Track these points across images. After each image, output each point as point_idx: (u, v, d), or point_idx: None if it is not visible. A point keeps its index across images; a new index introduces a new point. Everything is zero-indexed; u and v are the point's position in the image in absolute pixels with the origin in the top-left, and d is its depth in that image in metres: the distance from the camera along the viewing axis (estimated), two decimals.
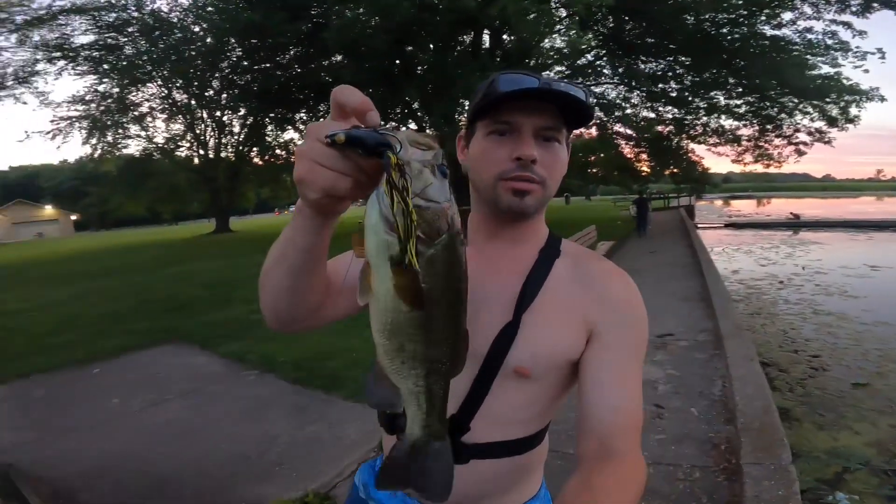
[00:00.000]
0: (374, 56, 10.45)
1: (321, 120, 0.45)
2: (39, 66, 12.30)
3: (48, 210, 44.28)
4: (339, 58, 11.76)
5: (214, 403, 3.54)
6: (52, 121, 14.09)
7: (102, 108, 14.32)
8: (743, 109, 14.91)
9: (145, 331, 5.72)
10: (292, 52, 12.65)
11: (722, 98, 14.60)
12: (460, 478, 0.61)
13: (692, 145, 15.90)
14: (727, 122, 15.56)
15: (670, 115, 14.81)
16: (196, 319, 6.18)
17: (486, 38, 11.96)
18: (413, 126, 15.86)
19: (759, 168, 17.39)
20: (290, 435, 2.96)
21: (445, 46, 10.40)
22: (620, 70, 13.47)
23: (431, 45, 10.04)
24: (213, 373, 4.22)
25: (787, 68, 12.67)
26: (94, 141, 15.75)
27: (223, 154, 21.25)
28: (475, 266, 0.72)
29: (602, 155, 15.07)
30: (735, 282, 9.38)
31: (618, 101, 14.45)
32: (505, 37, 11.69)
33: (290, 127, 16.58)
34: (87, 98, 13.99)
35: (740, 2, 11.57)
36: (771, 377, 4.38)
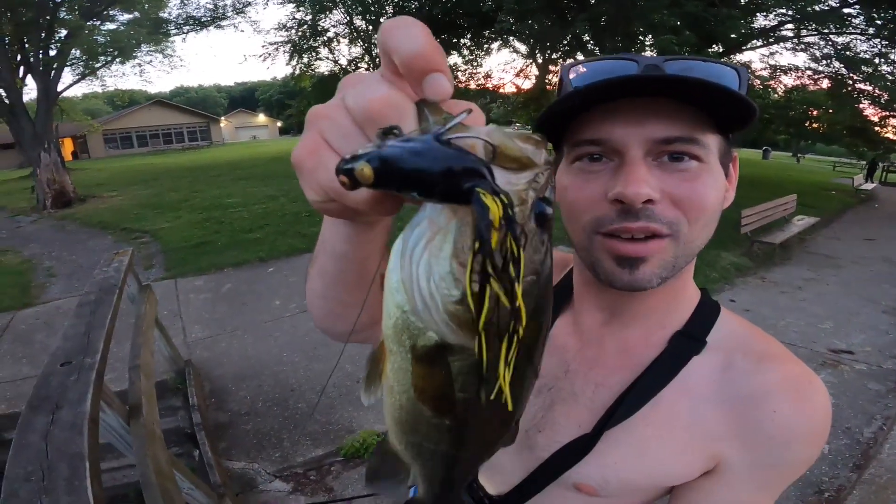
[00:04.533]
0: None
1: (374, 70, 0.28)
2: None
3: (261, 118, 53.28)
4: None
5: None
6: (262, 46, 16.43)
7: (300, 34, 16.24)
8: None
9: (313, 235, 6.54)
10: None
11: None
12: None
13: None
14: None
15: None
16: None
17: None
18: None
19: None
20: None
21: None
22: (879, 23, 9.92)
23: None
24: None
25: None
26: (293, 62, 17.92)
27: None
28: (569, 344, 0.60)
29: (830, 112, 11.79)
30: None
31: (870, 56, 10.85)
32: None
33: (454, 52, 16.54)
34: (289, 25, 16.01)
35: None
36: None
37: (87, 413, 1.09)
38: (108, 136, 33.76)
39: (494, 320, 0.23)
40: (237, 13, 14.53)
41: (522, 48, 15.49)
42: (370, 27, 16.27)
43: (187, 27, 13.98)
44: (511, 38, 14.23)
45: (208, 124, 40.54)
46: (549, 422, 0.57)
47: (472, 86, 17.43)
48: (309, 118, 0.27)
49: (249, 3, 14.65)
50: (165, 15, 13.48)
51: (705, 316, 0.55)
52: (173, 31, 13.92)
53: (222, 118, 46.74)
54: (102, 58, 12.42)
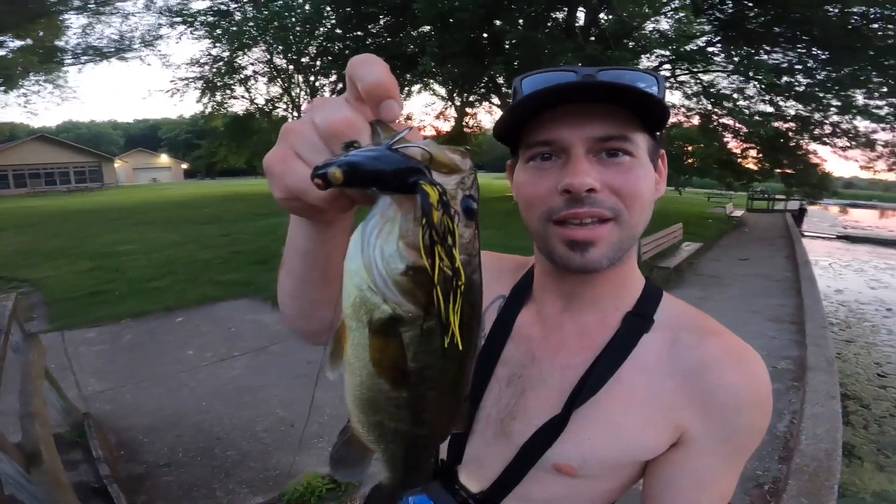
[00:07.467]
0: (461, 28, 10.17)
1: (341, 94, 0.34)
2: (163, 31, 13.76)
3: (163, 158, 49.35)
4: (426, 28, 11.67)
5: (274, 365, 3.78)
6: (171, 81, 15.61)
7: (214, 70, 15.64)
8: (885, 111, 12.69)
9: (228, 283, 6.16)
10: (382, 22, 12.83)
11: (861, 97, 12.38)
12: None
13: (814, 146, 13.97)
14: (863, 124, 13.37)
15: (793, 112, 13.06)
16: (274, 275, 6.60)
17: (580, 15, 11.18)
18: (496, 101, 15.52)
19: (892, 177, 15.08)
20: (336, 408, 3.09)
21: (537, 21, 9.85)
22: (736, 59, 11.95)
23: (521, 21, 9.50)
24: (278, 332, 4.46)
25: None
26: (205, 100, 17.15)
27: None
28: (533, 334, 0.64)
29: (702, 146, 13.72)
30: (836, 302, 8.30)
31: (729, 91, 12.88)
32: (602, 15, 10.83)
33: None
34: (202, 61, 15.37)
35: None
36: (848, 411, 3.98)
37: None
38: None
39: (441, 281, 0.29)
40: (146, 45, 13.69)
41: (442, 91, 16.29)
42: (291, 67, 16.15)
43: (86, 57, 12.85)
44: (431, 80, 14.96)
45: (100, 164, 36.81)
46: (522, 408, 0.59)
47: None
48: (282, 132, 0.33)
49: (161, 37, 13.90)
50: (62, 43, 12.29)
51: (651, 298, 0.61)
52: (68, 61, 12.71)
53: (117, 158, 42.74)
54: None
